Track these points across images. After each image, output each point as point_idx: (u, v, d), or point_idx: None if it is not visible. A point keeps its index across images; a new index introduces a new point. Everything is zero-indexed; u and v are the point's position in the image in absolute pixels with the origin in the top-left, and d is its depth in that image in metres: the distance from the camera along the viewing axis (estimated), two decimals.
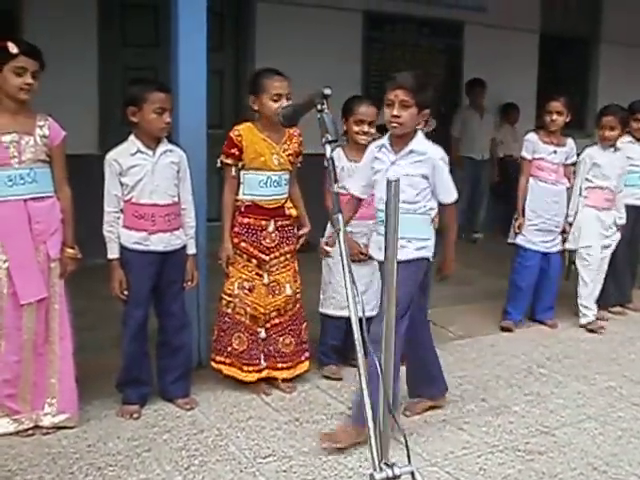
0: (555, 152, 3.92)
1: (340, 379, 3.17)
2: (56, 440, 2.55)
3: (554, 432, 2.75)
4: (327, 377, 3.19)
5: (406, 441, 1.45)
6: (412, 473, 1.36)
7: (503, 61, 6.51)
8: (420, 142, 2.59)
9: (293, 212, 3.05)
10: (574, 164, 4.05)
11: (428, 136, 3.60)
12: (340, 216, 1.49)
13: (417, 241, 2.59)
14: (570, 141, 4.00)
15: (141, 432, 2.64)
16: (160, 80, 3.13)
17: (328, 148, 1.61)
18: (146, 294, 2.76)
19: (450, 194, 2.64)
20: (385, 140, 2.61)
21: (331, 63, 5.53)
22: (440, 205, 2.67)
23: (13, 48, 2.41)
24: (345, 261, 1.43)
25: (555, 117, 3.87)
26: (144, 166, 2.69)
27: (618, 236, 4.15)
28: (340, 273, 3.12)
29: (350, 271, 1.41)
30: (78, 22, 4.88)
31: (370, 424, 1.34)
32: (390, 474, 1.32)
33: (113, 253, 2.73)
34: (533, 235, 3.96)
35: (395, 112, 2.47)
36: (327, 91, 1.66)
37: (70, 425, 2.63)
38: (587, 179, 4.07)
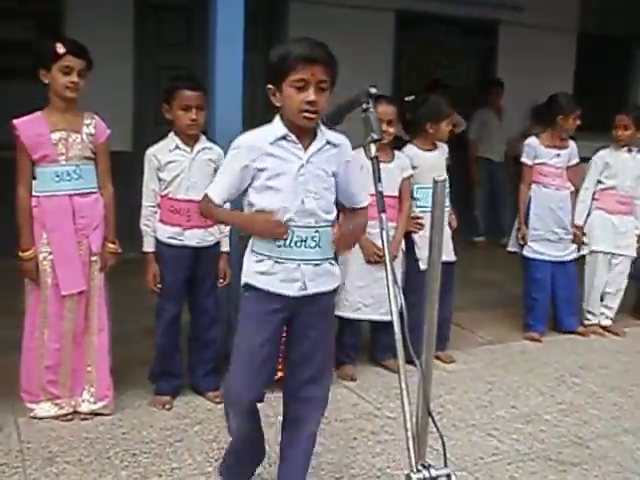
0: (558, 155, 3.81)
1: (354, 380, 3.18)
2: (93, 426, 2.64)
3: (588, 444, 2.70)
4: (340, 378, 3.17)
5: (443, 443, 1.46)
6: (448, 475, 1.37)
7: (539, 61, 6.42)
8: (326, 130, 1.98)
9: None
10: (577, 164, 3.91)
11: (456, 136, 3.58)
12: (384, 216, 1.49)
13: (337, 263, 2.07)
14: (572, 142, 3.88)
15: (173, 423, 2.70)
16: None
17: (373, 147, 1.61)
18: (179, 288, 2.81)
19: (365, 192, 2.07)
20: (281, 130, 1.91)
21: (363, 63, 5.53)
22: (351, 211, 2.09)
23: (60, 48, 2.49)
24: (388, 262, 1.43)
25: (621, 132, 3.85)
26: (182, 162, 2.74)
27: (633, 250, 4.01)
28: (353, 275, 3.17)
29: (393, 272, 1.42)
30: (115, 23, 5.00)
31: (408, 425, 1.35)
32: (427, 475, 1.33)
33: (149, 247, 2.78)
34: (540, 245, 3.82)
35: (313, 97, 1.83)
36: (373, 90, 1.66)
37: (106, 412, 2.71)
38: (599, 181, 3.99)
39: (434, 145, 3.40)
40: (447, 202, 3.39)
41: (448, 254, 3.40)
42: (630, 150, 4.00)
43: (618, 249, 4.01)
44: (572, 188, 3.87)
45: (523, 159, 3.86)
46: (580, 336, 3.94)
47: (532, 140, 3.86)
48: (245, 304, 2.01)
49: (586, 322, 4.05)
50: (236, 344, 2.02)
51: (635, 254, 4.07)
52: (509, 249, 3.99)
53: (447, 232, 3.42)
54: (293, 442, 2.11)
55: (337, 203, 2.04)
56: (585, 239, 3.99)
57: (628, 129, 3.92)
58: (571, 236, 3.88)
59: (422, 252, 3.25)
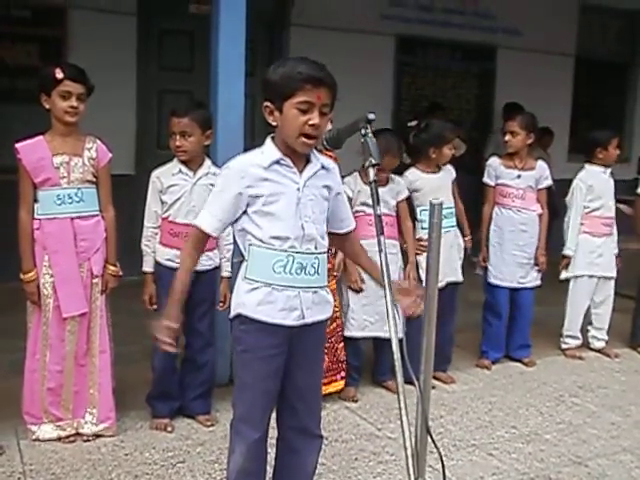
0: (519, 177, 3.65)
1: (356, 401, 3.19)
2: (96, 447, 2.65)
3: (587, 463, 2.71)
4: (342, 399, 3.20)
5: (442, 461, 1.47)
6: None
7: (537, 85, 6.49)
8: (318, 154, 1.94)
9: None
10: (549, 188, 3.77)
11: (457, 160, 3.63)
12: (382, 238, 1.53)
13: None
14: (540, 164, 3.73)
15: (175, 444, 2.71)
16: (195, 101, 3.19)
17: (371, 171, 1.65)
18: None
19: (351, 215, 2.06)
20: (275, 154, 1.84)
21: (363, 87, 5.61)
22: (340, 235, 2.02)
23: (59, 73, 2.53)
24: (386, 283, 1.46)
25: (508, 137, 3.61)
26: (183, 186, 2.77)
27: (614, 271, 3.96)
28: (357, 295, 3.20)
29: (392, 293, 1.45)
30: (118, 47, 5.06)
31: (407, 443, 1.37)
32: None
33: (148, 267, 2.81)
34: (499, 269, 3.68)
35: (317, 120, 1.77)
36: (371, 116, 1.66)
37: (108, 434, 2.72)
38: (584, 205, 3.90)
39: (438, 167, 3.44)
40: (453, 223, 3.44)
41: (455, 275, 3.45)
42: (605, 170, 3.95)
43: (603, 271, 3.94)
44: (539, 211, 3.71)
45: (485, 179, 3.73)
46: (525, 366, 3.77)
47: (493, 160, 3.73)
48: (243, 337, 1.89)
49: (564, 346, 4.00)
50: (240, 382, 1.94)
51: (615, 274, 4.02)
52: (477, 272, 3.82)
53: (454, 253, 3.45)
54: (290, 475, 2.04)
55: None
56: (570, 267, 3.92)
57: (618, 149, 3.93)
58: (533, 261, 3.71)
59: None
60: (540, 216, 3.73)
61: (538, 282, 3.79)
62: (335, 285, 3.14)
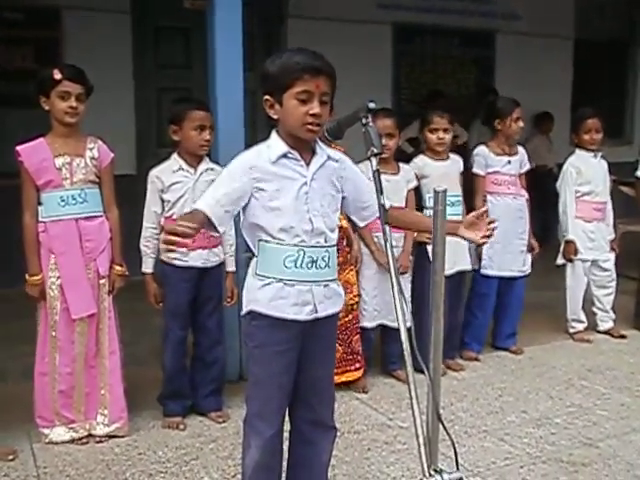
0: (509, 162, 3.61)
1: (366, 392, 3.20)
2: (109, 448, 2.66)
3: (598, 444, 2.73)
4: (353, 390, 3.21)
5: (454, 447, 1.48)
6: (461, 479, 1.39)
7: (536, 69, 6.47)
8: (324, 146, 1.91)
9: (344, 223, 2.97)
10: (529, 172, 3.75)
11: (459, 148, 3.63)
12: (387, 228, 1.53)
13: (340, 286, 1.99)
14: (521, 148, 3.73)
15: (188, 441, 2.72)
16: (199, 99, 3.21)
17: (374, 161, 1.65)
18: (185, 309, 2.82)
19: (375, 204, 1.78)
20: (282, 147, 1.82)
21: (362, 76, 5.59)
22: (358, 226, 2.01)
23: (57, 74, 2.53)
24: (393, 273, 1.46)
25: (522, 125, 3.58)
26: (185, 183, 2.76)
27: (609, 255, 3.96)
28: (367, 285, 3.21)
29: (398, 282, 1.45)
30: (114, 46, 5.04)
31: (419, 431, 1.37)
32: None
33: (147, 267, 2.81)
34: (498, 261, 3.58)
35: (318, 109, 1.75)
36: (372, 105, 1.64)
37: (121, 434, 2.73)
38: (575, 190, 3.88)
39: (446, 155, 3.44)
40: (459, 212, 3.41)
41: (466, 263, 3.45)
42: (595, 155, 3.93)
43: (595, 255, 3.94)
44: (527, 196, 3.69)
45: (475, 170, 3.61)
46: (514, 354, 3.72)
47: (481, 149, 3.64)
48: (255, 333, 1.88)
49: (571, 330, 4.00)
50: (254, 378, 1.93)
51: (610, 257, 4.00)
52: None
53: (463, 242, 3.44)
54: (306, 467, 2.05)
55: (349, 219, 1.96)
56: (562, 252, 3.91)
57: (600, 132, 3.88)
58: (527, 248, 3.68)
59: None
60: (527, 201, 3.72)
61: (530, 269, 3.75)
62: (354, 276, 3.14)
